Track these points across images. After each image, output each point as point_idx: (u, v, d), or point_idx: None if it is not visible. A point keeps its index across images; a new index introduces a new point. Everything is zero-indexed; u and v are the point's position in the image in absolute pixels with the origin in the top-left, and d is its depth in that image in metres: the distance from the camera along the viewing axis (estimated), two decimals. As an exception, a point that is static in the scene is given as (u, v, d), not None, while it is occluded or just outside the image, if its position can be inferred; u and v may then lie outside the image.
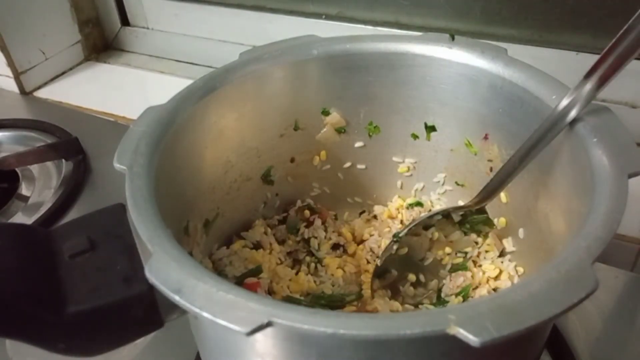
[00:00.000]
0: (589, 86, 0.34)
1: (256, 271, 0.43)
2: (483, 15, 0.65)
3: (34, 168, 0.68)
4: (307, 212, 0.50)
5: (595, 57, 0.32)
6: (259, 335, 0.24)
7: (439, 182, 0.50)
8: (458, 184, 0.49)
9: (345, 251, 0.49)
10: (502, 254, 0.45)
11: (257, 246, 0.47)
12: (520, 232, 0.43)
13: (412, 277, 0.45)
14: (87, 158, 0.68)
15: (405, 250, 0.45)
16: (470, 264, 0.45)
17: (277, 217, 0.50)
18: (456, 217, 0.45)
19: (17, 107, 0.80)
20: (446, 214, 0.45)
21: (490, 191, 0.43)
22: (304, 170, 0.50)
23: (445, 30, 0.43)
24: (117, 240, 0.30)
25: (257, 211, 0.50)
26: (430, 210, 0.49)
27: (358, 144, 0.49)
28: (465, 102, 0.44)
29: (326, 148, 0.49)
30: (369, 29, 0.72)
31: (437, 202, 0.50)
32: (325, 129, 0.48)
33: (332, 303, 0.44)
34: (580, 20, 0.59)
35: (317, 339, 0.26)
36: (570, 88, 0.35)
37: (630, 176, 0.30)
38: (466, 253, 0.46)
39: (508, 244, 0.45)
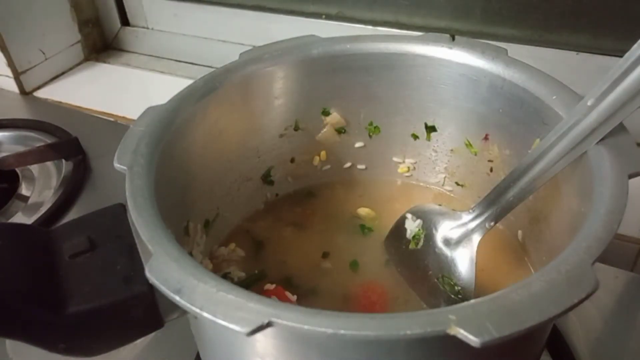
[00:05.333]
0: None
1: (260, 275, 0.43)
2: (483, 16, 0.65)
3: (34, 168, 0.68)
4: (307, 212, 0.50)
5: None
6: (259, 336, 0.24)
7: (439, 182, 0.50)
8: (458, 185, 0.48)
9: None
10: (502, 254, 0.45)
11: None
12: (520, 234, 0.43)
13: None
14: (87, 158, 0.68)
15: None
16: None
17: (277, 217, 0.50)
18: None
19: (17, 107, 0.80)
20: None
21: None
22: (304, 170, 0.50)
23: (445, 30, 0.43)
24: (117, 240, 0.30)
25: (257, 211, 0.50)
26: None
27: (358, 144, 0.49)
28: (466, 102, 0.44)
29: (326, 148, 0.49)
30: (369, 29, 0.72)
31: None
32: (325, 129, 0.48)
33: None
34: (580, 20, 0.59)
35: (317, 339, 0.26)
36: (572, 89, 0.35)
37: (631, 176, 0.30)
38: None
39: (508, 244, 0.45)
